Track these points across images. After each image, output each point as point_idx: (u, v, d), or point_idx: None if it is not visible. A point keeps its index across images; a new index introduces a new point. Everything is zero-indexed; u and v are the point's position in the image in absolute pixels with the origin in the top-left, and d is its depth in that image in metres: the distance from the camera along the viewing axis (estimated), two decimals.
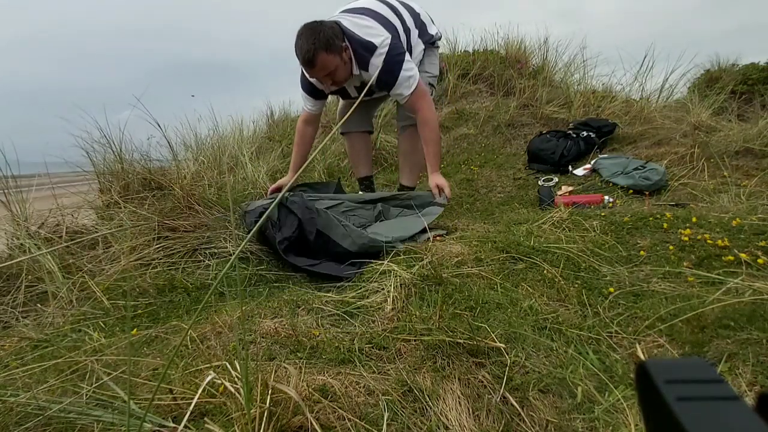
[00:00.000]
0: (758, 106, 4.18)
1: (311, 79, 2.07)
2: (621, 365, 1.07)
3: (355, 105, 0.88)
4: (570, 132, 3.12)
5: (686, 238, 1.57)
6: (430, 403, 0.92)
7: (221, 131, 3.63)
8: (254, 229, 0.72)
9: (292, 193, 2.12)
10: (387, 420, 0.86)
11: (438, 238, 1.74)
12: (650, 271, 1.46)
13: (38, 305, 1.58)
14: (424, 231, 1.80)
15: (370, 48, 1.91)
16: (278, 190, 2.23)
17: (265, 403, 0.79)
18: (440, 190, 2.07)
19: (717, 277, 1.34)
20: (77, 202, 2.24)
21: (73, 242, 1.90)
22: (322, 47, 1.81)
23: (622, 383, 1.01)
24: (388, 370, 1.02)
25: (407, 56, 1.99)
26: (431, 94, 2.30)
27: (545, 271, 1.47)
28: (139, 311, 1.46)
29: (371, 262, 1.56)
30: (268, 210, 0.70)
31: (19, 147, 2.07)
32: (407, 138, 2.35)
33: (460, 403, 0.93)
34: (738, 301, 1.17)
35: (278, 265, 1.77)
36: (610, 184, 2.54)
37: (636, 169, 2.50)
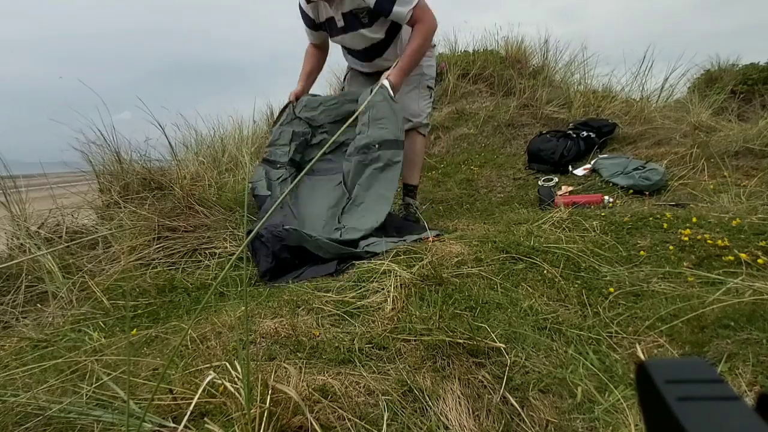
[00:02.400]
0: (758, 106, 4.17)
1: (305, 8, 2.09)
2: (621, 365, 1.07)
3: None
4: (570, 132, 3.11)
5: (686, 238, 1.56)
6: (430, 403, 0.92)
7: (221, 131, 3.63)
8: (247, 239, 0.72)
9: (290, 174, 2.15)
10: (387, 420, 0.86)
11: (435, 238, 1.75)
12: (650, 271, 1.45)
13: (38, 305, 1.58)
14: (413, 233, 1.84)
15: None
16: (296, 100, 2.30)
17: (265, 403, 0.79)
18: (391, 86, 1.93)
19: (717, 277, 1.34)
20: (77, 202, 2.24)
21: (73, 242, 1.90)
22: None
23: (622, 383, 1.01)
24: (388, 370, 1.02)
25: None
26: (430, 97, 2.30)
27: (545, 271, 1.47)
28: (139, 311, 1.46)
29: (370, 262, 1.56)
30: (262, 218, 0.70)
31: (19, 147, 2.07)
32: (407, 140, 2.35)
33: (460, 403, 0.93)
34: (738, 301, 1.17)
35: None
36: (610, 184, 2.54)
37: (636, 169, 2.50)
